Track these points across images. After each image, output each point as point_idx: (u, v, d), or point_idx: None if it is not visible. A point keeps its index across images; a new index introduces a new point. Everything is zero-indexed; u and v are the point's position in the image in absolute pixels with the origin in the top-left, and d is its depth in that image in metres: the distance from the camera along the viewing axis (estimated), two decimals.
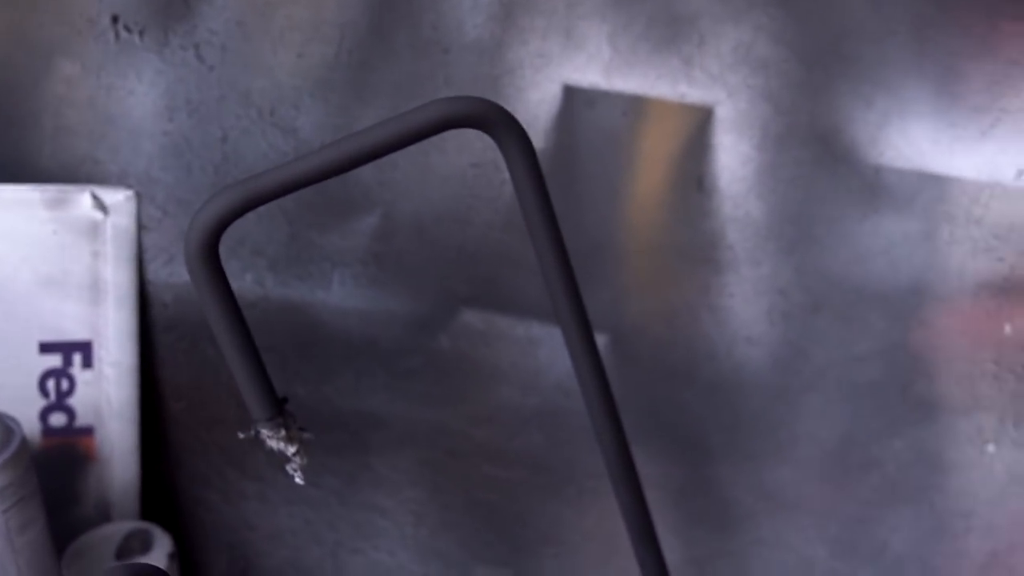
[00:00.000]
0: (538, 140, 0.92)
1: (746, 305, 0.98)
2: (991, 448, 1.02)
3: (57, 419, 0.99)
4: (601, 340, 0.99)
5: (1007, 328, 0.97)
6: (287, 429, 0.73)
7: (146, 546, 0.96)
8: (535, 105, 0.93)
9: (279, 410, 0.72)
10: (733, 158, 0.93)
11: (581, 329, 0.74)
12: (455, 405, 1.03)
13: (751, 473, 1.03)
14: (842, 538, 1.06)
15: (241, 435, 0.72)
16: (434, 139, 0.91)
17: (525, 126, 0.94)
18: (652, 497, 0.99)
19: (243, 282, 1.00)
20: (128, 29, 0.94)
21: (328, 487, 1.08)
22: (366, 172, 0.95)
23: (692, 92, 0.92)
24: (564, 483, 1.05)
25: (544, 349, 1.00)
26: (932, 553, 1.06)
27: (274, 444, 0.73)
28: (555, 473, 1.05)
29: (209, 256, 0.67)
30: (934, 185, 0.93)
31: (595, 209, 0.95)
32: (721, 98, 0.92)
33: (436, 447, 1.05)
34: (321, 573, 1.14)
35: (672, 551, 1.07)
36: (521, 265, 0.98)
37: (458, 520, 1.08)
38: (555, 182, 0.92)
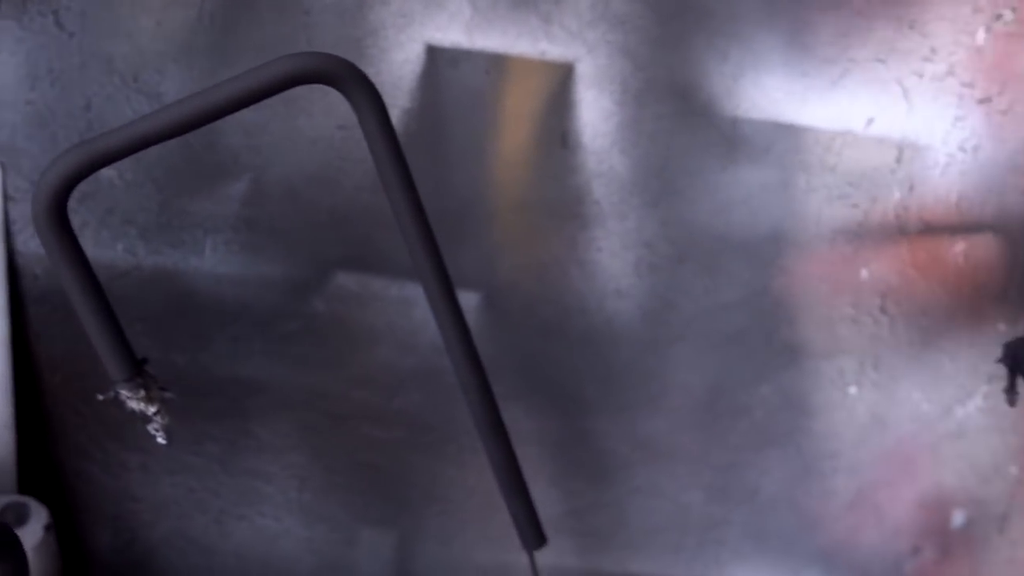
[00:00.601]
0: (403, 100, 0.94)
1: (614, 259, 1.00)
2: (853, 390, 1.06)
3: None
4: (473, 298, 1.01)
5: (863, 273, 1.01)
6: (147, 389, 0.73)
7: (21, 519, 0.96)
8: (399, 66, 0.95)
9: (138, 370, 0.72)
10: (595, 114, 0.96)
11: (441, 285, 0.76)
12: (333, 368, 1.05)
13: (626, 424, 1.07)
14: (715, 483, 1.10)
15: (100, 396, 0.72)
16: (300, 102, 0.92)
17: (390, 87, 0.96)
18: (530, 452, 1.02)
19: (114, 252, 1.00)
20: None
21: (210, 455, 1.09)
22: (234, 137, 0.95)
23: (552, 49, 0.94)
24: (445, 441, 1.08)
25: (419, 309, 1.01)
26: (801, 494, 1.10)
27: (134, 405, 0.73)
28: (436, 431, 1.07)
29: (57, 216, 0.67)
30: (789, 135, 0.96)
31: (463, 168, 0.97)
32: (581, 54, 0.94)
33: (316, 411, 1.06)
34: (207, 541, 1.14)
35: (552, 503, 1.10)
36: (393, 226, 0.99)
37: (342, 483, 1.10)
38: (421, 142, 0.94)
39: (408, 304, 1.02)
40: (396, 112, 0.93)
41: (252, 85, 0.67)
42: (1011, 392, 0.79)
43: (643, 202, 0.98)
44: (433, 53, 0.94)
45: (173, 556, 1.13)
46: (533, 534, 0.87)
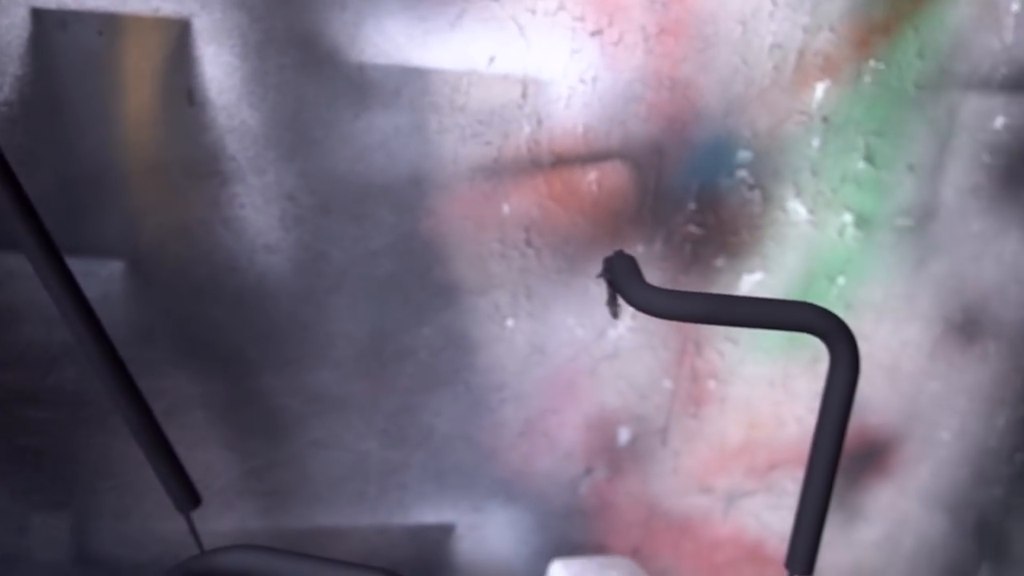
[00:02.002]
0: (14, 68, 0.91)
1: (258, 214, 1.01)
2: (510, 323, 1.11)
3: None
4: (118, 266, 1.00)
5: (505, 208, 1.05)
6: None
7: None
8: (5, 31, 0.92)
9: None
10: (218, 69, 0.95)
11: (45, 254, 0.74)
12: None
13: (293, 378, 1.08)
14: (390, 429, 1.12)
15: None
16: None
17: None
18: (199, 417, 1.02)
19: None
20: None
21: None
22: None
23: (165, 5, 0.93)
24: (106, 414, 1.06)
25: None
26: (474, 428, 1.14)
27: None
28: (95, 406, 1.05)
29: None
30: (416, 78, 0.99)
31: (89, 133, 0.95)
32: (195, 9, 0.94)
33: None
34: None
35: (229, 466, 1.10)
36: None
37: (5, 470, 1.07)
38: (38, 110, 0.92)
39: None
40: (8, 80, 0.90)
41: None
42: (613, 305, 0.84)
43: (279, 155, 0.99)
44: (39, 16, 0.92)
45: None
46: (185, 496, 0.87)
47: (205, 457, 1.10)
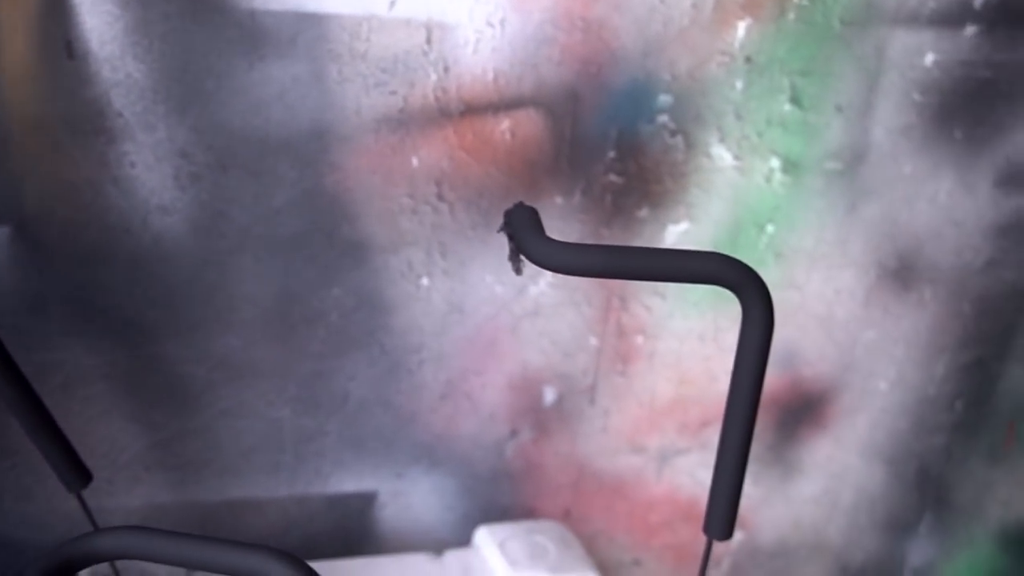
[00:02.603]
0: None
1: (150, 172, 0.95)
2: (425, 281, 1.06)
3: None
4: (3, 232, 0.94)
5: (414, 161, 1.00)
6: None
7: None
8: None
9: None
10: (98, 18, 0.90)
11: None
12: None
13: (198, 344, 1.03)
14: (303, 396, 1.08)
15: None
16: None
17: None
18: (100, 389, 0.97)
19: None
20: None
21: None
22: None
23: None
24: None
25: None
26: (392, 392, 1.10)
27: None
28: None
29: None
30: (313, 24, 0.94)
31: None
32: None
33: None
34: None
35: (134, 439, 1.05)
36: None
37: None
38: None
39: None
40: None
41: None
42: (515, 260, 0.79)
43: (169, 109, 0.93)
44: None
45: None
46: (74, 474, 0.82)
47: (109, 431, 1.06)
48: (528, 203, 1.03)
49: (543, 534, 1.12)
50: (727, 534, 0.80)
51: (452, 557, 1.09)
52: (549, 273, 1.09)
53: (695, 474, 1.25)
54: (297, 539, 1.15)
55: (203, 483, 1.10)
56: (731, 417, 0.76)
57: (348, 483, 1.14)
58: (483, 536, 1.11)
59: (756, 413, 0.75)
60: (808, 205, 1.14)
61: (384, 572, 1.05)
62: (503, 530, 1.12)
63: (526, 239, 0.74)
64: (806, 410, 1.26)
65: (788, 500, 1.31)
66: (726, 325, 1.18)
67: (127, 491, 1.09)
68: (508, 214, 0.80)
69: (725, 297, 1.11)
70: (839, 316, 1.21)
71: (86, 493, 0.91)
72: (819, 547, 1.36)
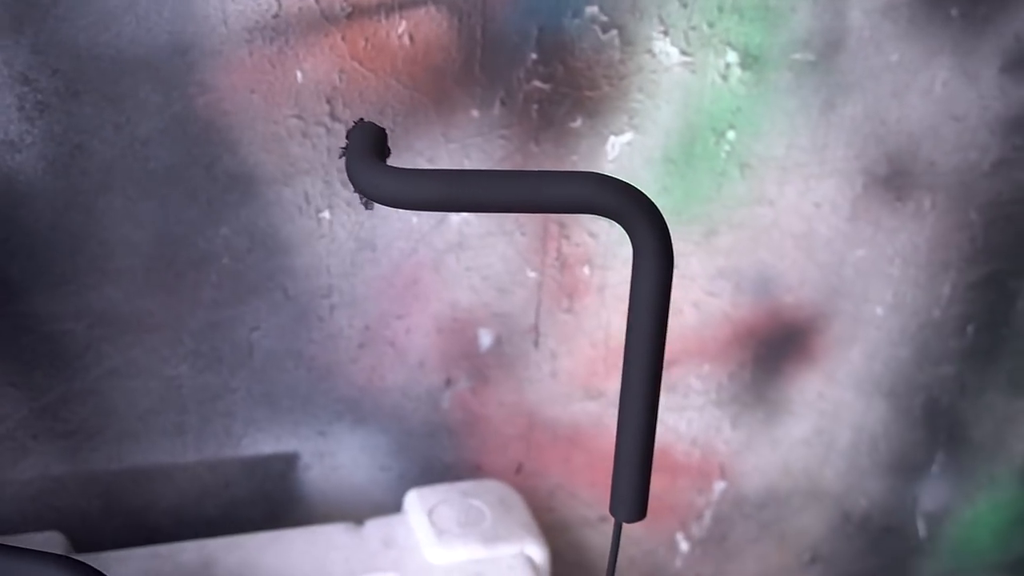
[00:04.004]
0: None
1: None
2: (326, 215, 0.93)
3: None
4: None
5: (298, 75, 0.87)
6: None
7: None
8: None
9: None
10: None
11: None
12: None
13: (73, 298, 0.91)
14: (201, 350, 0.96)
15: None
16: None
17: None
18: None
19: None
20: None
21: None
22: None
23: None
24: None
25: None
26: (303, 343, 0.98)
27: None
28: None
29: None
30: None
31: None
32: None
33: None
34: None
35: (16, 405, 0.95)
36: None
37: None
38: None
39: None
40: None
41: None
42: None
43: (3, 28, 0.80)
44: None
45: None
46: None
47: None
48: (440, 120, 0.89)
49: (481, 496, 1.00)
50: (639, 513, 0.67)
51: (374, 526, 0.97)
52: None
53: (664, 420, 1.11)
54: (214, 508, 1.03)
55: (100, 450, 0.99)
56: (630, 379, 0.63)
57: (265, 444, 1.02)
58: (412, 501, 0.99)
59: (660, 371, 0.62)
60: (775, 105, 0.98)
61: (294, 547, 0.93)
62: (436, 493, 1.00)
63: (354, 166, 0.60)
64: (789, 342, 1.11)
65: (774, 443, 1.17)
66: (687, 249, 1.03)
67: (15, 463, 0.98)
68: (347, 134, 0.66)
69: (685, 217, 0.96)
70: (821, 233, 1.05)
71: None
72: (815, 493, 1.22)
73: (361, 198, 0.66)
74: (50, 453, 0.99)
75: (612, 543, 0.71)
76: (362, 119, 0.71)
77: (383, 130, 0.69)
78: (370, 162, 0.62)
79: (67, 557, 0.61)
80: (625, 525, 0.69)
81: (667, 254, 0.60)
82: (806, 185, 1.04)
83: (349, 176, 0.64)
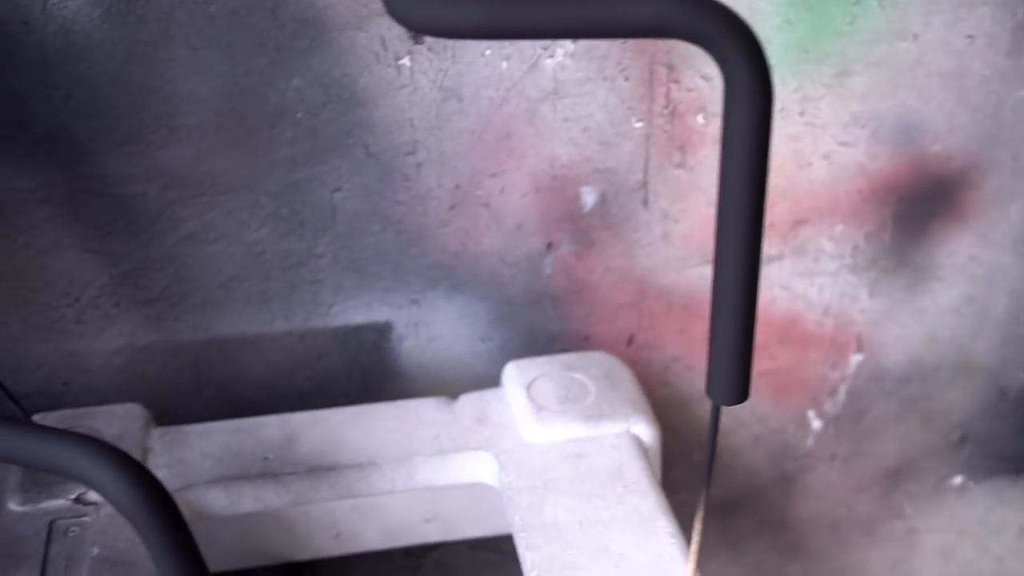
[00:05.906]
0: None
1: None
2: (406, 62, 0.85)
3: None
4: None
5: None
6: None
7: None
8: None
9: None
10: None
11: None
12: None
13: (141, 158, 0.86)
14: (281, 213, 0.90)
15: None
16: None
17: None
18: (39, 215, 0.86)
19: None
20: None
21: None
22: None
23: None
24: None
25: None
26: (389, 204, 0.91)
27: None
28: None
29: None
30: None
31: None
32: None
33: None
34: None
35: (96, 272, 0.93)
36: None
37: None
38: None
39: None
40: None
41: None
42: None
43: None
44: None
45: None
46: None
47: (64, 264, 0.91)
48: None
49: (586, 370, 0.91)
50: (739, 396, 0.58)
51: (468, 401, 0.89)
52: (567, 40, 0.84)
53: (791, 285, 1.00)
54: (307, 381, 0.98)
55: (184, 319, 0.94)
56: (725, 240, 0.54)
57: (355, 314, 0.95)
58: (510, 373, 0.91)
59: (759, 231, 0.52)
60: None
61: (381, 423, 0.87)
62: (536, 365, 0.92)
63: None
64: (936, 199, 0.98)
65: (919, 312, 1.05)
66: (817, 93, 0.91)
67: (99, 332, 0.94)
68: None
69: (813, 55, 0.83)
70: (975, 71, 0.91)
71: (55, 335, 0.87)
72: (965, 367, 1.10)
73: (408, 31, 0.56)
74: (134, 321, 0.95)
75: (710, 428, 0.62)
76: None
77: None
78: None
79: (89, 437, 0.55)
80: (748, 403, 0.60)
81: (763, 86, 0.49)
82: (955, 15, 0.89)
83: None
